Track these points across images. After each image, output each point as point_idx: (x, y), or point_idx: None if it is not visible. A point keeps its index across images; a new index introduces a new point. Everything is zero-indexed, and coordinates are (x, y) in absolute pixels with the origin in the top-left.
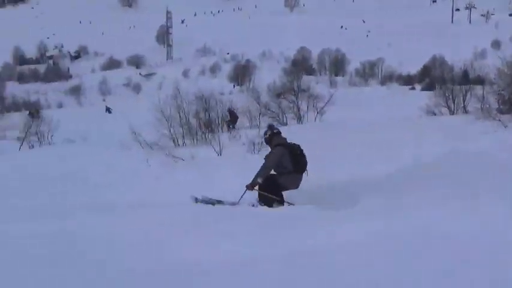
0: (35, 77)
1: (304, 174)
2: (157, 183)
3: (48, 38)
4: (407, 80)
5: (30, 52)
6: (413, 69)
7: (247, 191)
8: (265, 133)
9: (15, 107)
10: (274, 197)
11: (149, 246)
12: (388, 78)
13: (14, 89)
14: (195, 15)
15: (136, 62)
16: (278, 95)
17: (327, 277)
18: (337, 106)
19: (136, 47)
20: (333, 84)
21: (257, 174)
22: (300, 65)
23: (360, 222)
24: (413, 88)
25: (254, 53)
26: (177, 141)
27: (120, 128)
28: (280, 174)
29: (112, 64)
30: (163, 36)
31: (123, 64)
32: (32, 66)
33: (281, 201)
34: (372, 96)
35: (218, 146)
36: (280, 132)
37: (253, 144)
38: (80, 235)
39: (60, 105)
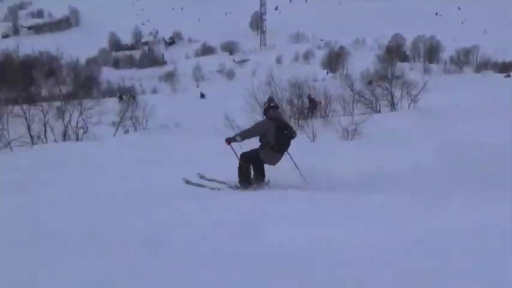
0: (130, 63)
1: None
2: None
3: (143, 24)
4: (503, 68)
5: (126, 38)
6: (510, 56)
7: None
8: (264, 104)
9: (110, 92)
10: (237, 156)
11: (244, 229)
12: (483, 66)
13: (109, 75)
14: (290, 1)
15: (229, 48)
16: (369, 82)
17: (421, 265)
18: (431, 93)
19: (230, 34)
20: (427, 71)
21: (239, 133)
22: (394, 52)
23: (456, 212)
24: (508, 76)
25: (347, 40)
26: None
27: (213, 114)
28: (262, 147)
29: (206, 50)
30: (257, 22)
31: (217, 50)
32: (127, 52)
33: (261, 177)
34: (467, 83)
35: (311, 132)
36: (278, 107)
37: (347, 131)
38: (179, 220)
39: (154, 91)
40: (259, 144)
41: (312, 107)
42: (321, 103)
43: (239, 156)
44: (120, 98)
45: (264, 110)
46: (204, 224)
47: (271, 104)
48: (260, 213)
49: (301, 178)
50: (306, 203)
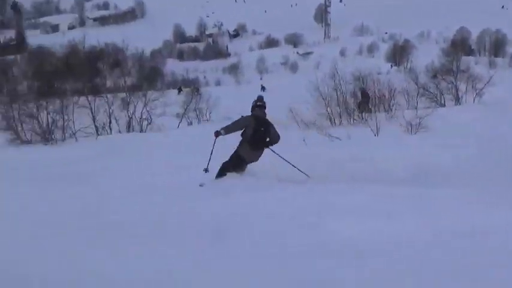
0: (194, 54)
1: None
2: (313, 162)
3: (207, 16)
4: None
5: (190, 30)
6: None
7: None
8: (253, 102)
9: (175, 84)
10: (212, 151)
11: (306, 225)
12: None
13: (173, 67)
14: None
15: (293, 40)
16: (434, 76)
17: (481, 258)
18: (497, 87)
19: (295, 26)
20: (492, 65)
21: (224, 127)
22: (459, 46)
23: None
24: None
25: (412, 33)
26: (334, 120)
27: (276, 107)
28: (241, 142)
29: (270, 43)
30: (321, 15)
31: (281, 43)
32: (192, 44)
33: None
34: None
35: (375, 125)
36: (264, 107)
37: (411, 124)
38: (242, 212)
39: (218, 83)
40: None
41: (364, 101)
42: (384, 96)
43: (211, 156)
44: (179, 90)
45: (251, 107)
46: (265, 216)
47: (258, 104)
48: (323, 206)
49: (302, 174)
50: (368, 196)
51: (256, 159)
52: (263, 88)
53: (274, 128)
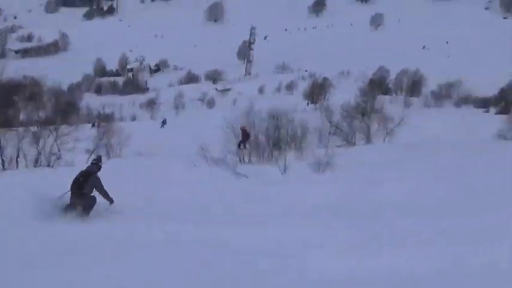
0: (113, 89)
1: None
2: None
3: (130, 50)
4: (484, 103)
5: (112, 64)
6: (493, 91)
7: None
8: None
9: (90, 118)
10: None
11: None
12: (464, 101)
13: (91, 101)
14: (285, 30)
15: (213, 77)
16: (362, 115)
17: None
18: (409, 127)
19: (218, 63)
20: (407, 104)
21: None
22: (376, 85)
23: None
24: (487, 111)
25: (333, 72)
26: (243, 158)
27: (189, 143)
28: None
29: (190, 78)
30: (245, 52)
31: (201, 79)
32: (112, 79)
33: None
34: (445, 118)
35: (283, 164)
36: (98, 165)
37: (319, 163)
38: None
39: (133, 118)
40: None
41: (243, 139)
42: (296, 134)
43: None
44: (93, 125)
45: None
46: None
47: (93, 161)
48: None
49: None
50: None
51: (80, 204)
52: (164, 122)
53: (99, 183)
